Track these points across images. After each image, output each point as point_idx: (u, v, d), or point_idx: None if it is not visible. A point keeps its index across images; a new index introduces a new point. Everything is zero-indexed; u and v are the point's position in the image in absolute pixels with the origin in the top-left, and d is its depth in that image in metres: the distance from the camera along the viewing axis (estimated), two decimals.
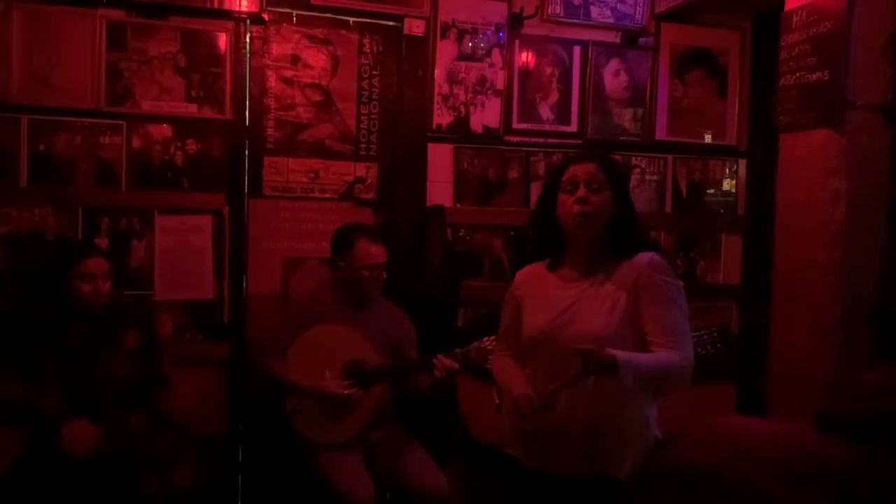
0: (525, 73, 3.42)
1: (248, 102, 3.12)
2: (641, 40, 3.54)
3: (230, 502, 3.14)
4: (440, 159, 3.33)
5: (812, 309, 2.55)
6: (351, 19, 3.22)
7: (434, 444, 2.93)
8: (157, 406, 2.56)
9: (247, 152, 3.13)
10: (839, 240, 2.47)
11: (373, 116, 3.29)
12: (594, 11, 3.46)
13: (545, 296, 1.88)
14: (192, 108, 3.06)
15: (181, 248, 3.05)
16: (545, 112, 3.45)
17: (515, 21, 3.36)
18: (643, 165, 3.58)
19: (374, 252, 2.77)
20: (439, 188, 3.32)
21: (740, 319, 3.68)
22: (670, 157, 3.63)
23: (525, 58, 3.41)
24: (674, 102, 3.61)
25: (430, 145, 3.32)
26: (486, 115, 3.36)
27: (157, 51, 3.00)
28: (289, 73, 3.17)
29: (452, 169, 3.34)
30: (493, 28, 3.35)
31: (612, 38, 3.52)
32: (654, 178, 3.61)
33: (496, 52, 3.36)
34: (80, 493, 2.31)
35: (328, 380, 2.71)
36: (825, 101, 2.50)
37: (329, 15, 3.19)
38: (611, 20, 3.49)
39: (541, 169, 3.42)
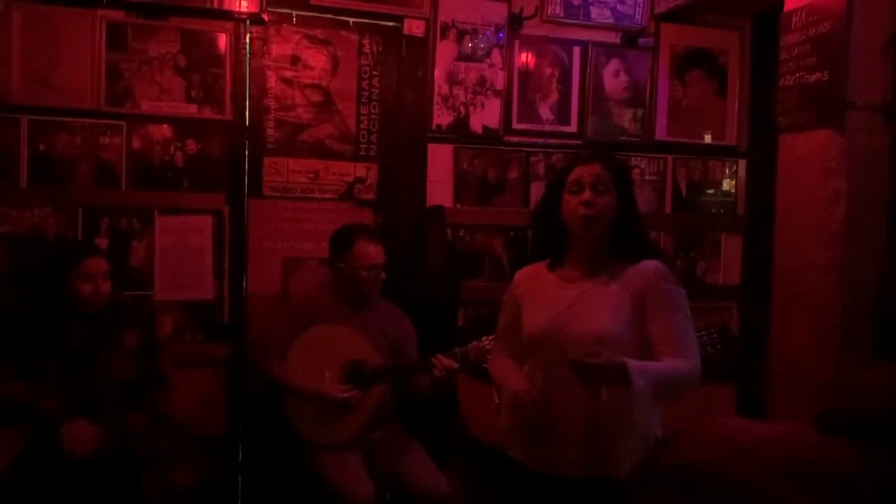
0: (525, 74, 3.42)
1: (248, 103, 3.12)
2: (641, 41, 3.54)
3: (230, 502, 3.14)
4: (440, 159, 3.33)
5: (812, 309, 2.55)
6: (351, 20, 3.22)
7: (434, 444, 2.93)
8: (157, 406, 2.56)
9: (247, 153, 3.13)
10: (839, 240, 2.47)
11: (373, 117, 3.29)
12: (594, 12, 3.46)
13: (546, 295, 1.88)
14: (192, 109, 3.06)
15: (181, 248, 3.05)
16: (545, 112, 3.45)
17: (515, 21, 3.36)
18: (643, 166, 3.58)
19: (372, 252, 2.77)
20: (439, 188, 3.32)
21: (740, 319, 3.68)
22: (670, 158, 3.63)
23: (525, 58, 3.41)
24: (674, 103, 3.61)
25: (430, 145, 3.32)
26: (486, 116, 3.36)
27: (157, 51, 3.00)
28: (289, 74, 3.17)
29: (452, 169, 3.34)
30: (492, 28, 3.35)
31: (612, 38, 3.52)
32: (654, 178, 3.61)
33: (496, 52, 3.36)
34: (80, 493, 2.31)
35: (328, 381, 2.71)
36: (825, 102, 2.50)
37: (329, 15, 3.19)
38: (610, 20, 3.49)
39: (541, 169, 3.42)
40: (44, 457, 2.30)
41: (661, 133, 3.59)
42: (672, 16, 3.50)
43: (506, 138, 3.40)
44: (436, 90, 3.30)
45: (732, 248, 3.69)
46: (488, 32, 3.34)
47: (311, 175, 3.21)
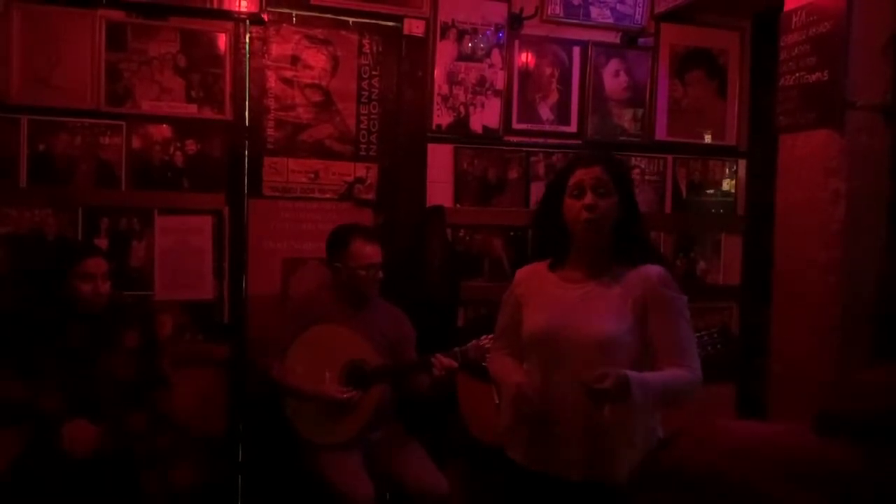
0: (525, 74, 3.42)
1: (247, 103, 3.12)
2: (641, 40, 3.54)
3: (230, 502, 3.14)
4: (440, 160, 3.33)
5: (812, 309, 2.55)
6: (351, 20, 3.22)
7: (434, 444, 2.93)
8: (157, 406, 2.56)
9: (247, 153, 3.13)
10: (839, 240, 2.47)
11: (373, 117, 3.29)
12: (594, 12, 3.46)
13: (547, 294, 1.88)
14: (192, 109, 3.06)
15: (181, 248, 3.05)
16: (545, 112, 3.45)
17: (515, 21, 3.36)
18: (643, 166, 3.58)
19: (369, 252, 2.77)
20: (439, 188, 3.32)
21: (740, 319, 3.68)
22: (670, 158, 3.63)
23: (525, 58, 3.41)
24: (673, 103, 3.61)
25: (430, 145, 3.32)
26: (486, 116, 3.36)
27: (157, 51, 3.00)
28: (288, 74, 3.17)
29: (452, 169, 3.34)
30: (492, 28, 3.35)
31: (612, 38, 3.52)
32: (654, 178, 3.61)
33: (496, 52, 3.36)
34: (80, 493, 2.31)
35: (328, 381, 2.71)
36: (825, 102, 2.50)
37: (329, 15, 3.19)
38: (610, 20, 3.49)
39: (541, 169, 3.42)
40: (44, 457, 2.30)
41: (661, 133, 3.59)
42: (672, 16, 3.50)
43: (506, 138, 3.40)
44: (436, 90, 3.30)
45: (732, 248, 3.69)
46: (488, 32, 3.34)
47: (311, 175, 3.21)
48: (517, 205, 3.41)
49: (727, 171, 3.72)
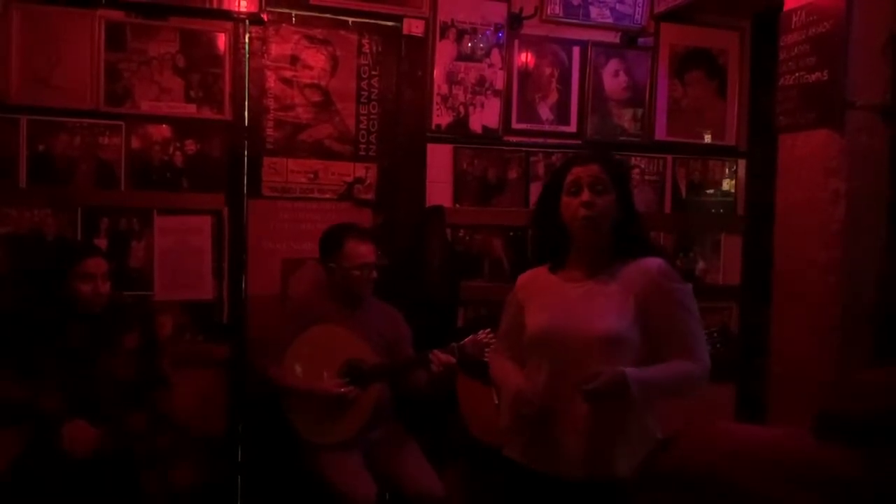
0: (524, 74, 3.42)
1: (247, 103, 3.12)
2: (641, 40, 3.54)
3: (230, 502, 3.14)
4: (439, 160, 3.33)
5: (812, 309, 2.55)
6: (350, 19, 3.22)
7: (434, 444, 2.93)
8: (157, 406, 2.56)
9: (246, 153, 3.13)
10: (839, 240, 2.47)
11: (372, 117, 3.29)
12: (593, 12, 3.46)
13: (549, 294, 1.88)
14: (192, 109, 3.05)
15: (180, 248, 3.05)
16: (544, 112, 3.45)
17: (515, 21, 3.36)
18: (643, 165, 3.58)
19: (363, 251, 2.77)
20: (439, 188, 3.32)
21: (740, 319, 3.68)
22: (670, 158, 3.62)
23: (524, 58, 3.41)
24: (673, 102, 3.61)
25: (430, 146, 3.32)
26: (486, 116, 3.36)
27: (157, 51, 3.00)
28: (288, 74, 3.17)
29: (452, 169, 3.34)
30: (492, 28, 3.35)
31: (612, 38, 3.52)
32: (654, 178, 3.61)
33: (495, 52, 3.36)
34: (80, 493, 2.31)
35: (326, 380, 2.71)
36: (825, 102, 2.50)
37: (328, 15, 3.19)
38: (610, 20, 3.49)
39: (540, 169, 3.42)
40: (44, 457, 2.30)
41: (660, 133, 3.59)
42: (672, 15, 3.50)
43: (505, 138, 3.40)
44: (435, 90, 3.29)
45: (732, 248, 3.69)
46: (488, 32, 3.34)
47: (311, 175, 3.21)
48: (517, 205, 3.41)
49: (727, 170, 3.72)
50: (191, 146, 3.06)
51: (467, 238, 3.37)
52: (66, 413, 2.34)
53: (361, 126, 3.28)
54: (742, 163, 3.71)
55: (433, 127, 3.31)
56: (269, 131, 3.16)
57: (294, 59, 3.17)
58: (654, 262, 1.81)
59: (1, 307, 2.75)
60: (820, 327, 2.52)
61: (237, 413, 3.13)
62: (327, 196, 3.23)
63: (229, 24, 3.07)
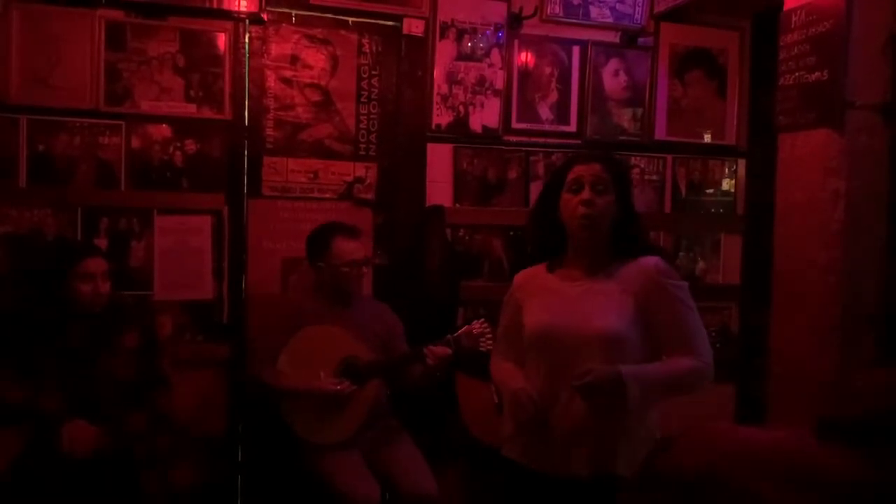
0: (524, 73, 3.42)
1: (247, 102, 3.12)
2: (641, 40, 3.54)
3: (230, 502, 3.14)
4: (439, 159, 3.33)
5: (812, 309, 2.55)
6: (350, 19, 3.22)
7: (433, 444, 2.93)
8: (157, 406, 2.56)
9: (246, 152, 3.13)
10: (839, 240, 2.47)
11: (372, 116, 3.29)
12: (593, 11, 3.46)
13: (547, 294, 1.88)
14: (192, 109, 3.05)
15: (180, 248, 3.05)
16: (544, 112, 3.45)
17: (515, 21, 3.36)
18: (642, 165, 3.58)
19: (351, 248, 2.77)
20: (439, 188, 3.32)
21: (740, 319, 3.68)
22: (669, 157, 3.62)
23: (524, 58, 3.41)
24: (673, 102, 3.61)
25: (430, 145, 3.32)
26: (486, 115, 3.36)
27: (157, 51, 3.00)
28: (288, 74, 3.17)
29: (452, 169, 3.34)
30: (492, 28, 3.35)
31: (612, 37, 3.52)
32: (654, 178, 3.61)
33: (495, 52, 3.36)
34: (80, 493, 2.30)
35: (323, 380, 2.71)
36: (824, 101, 2.50)
37: (328, 15, 3.19)
38: (610, 20, 3.49)
39: (540, 169, 3.42)
40: (44, 457, 2.30)
41: (660, 133, 3.59)
42: (671, 15, 3.50)
43: (505, 138, 3.40)
44: (435, 90, 3.29)
45: (732, 248, 3.69)
46: (488, 32, 3.34)
47: (311, 175, 3.21)
48: (517, 204, 3.41)
49: (727, 170, 3.72)
50: (191, 146, 3.06)
51: (467, 238, 3.37)
52: (66, 413, 2.34)
53: (361, 126, 3.28)
54: (742, 162, 3.71)
55: (433, 127, 3.31)
56: (269, 131, 3.16)
57: (294, 59, 3.17)
58: (651, 261, 1.81)
59: (1, 307, 2.75)
60: (820, 327, 2.52)
61: (237, 413, 3.13)
62: (327, 196, 3.23)
63: (229, 24, 3.07)
